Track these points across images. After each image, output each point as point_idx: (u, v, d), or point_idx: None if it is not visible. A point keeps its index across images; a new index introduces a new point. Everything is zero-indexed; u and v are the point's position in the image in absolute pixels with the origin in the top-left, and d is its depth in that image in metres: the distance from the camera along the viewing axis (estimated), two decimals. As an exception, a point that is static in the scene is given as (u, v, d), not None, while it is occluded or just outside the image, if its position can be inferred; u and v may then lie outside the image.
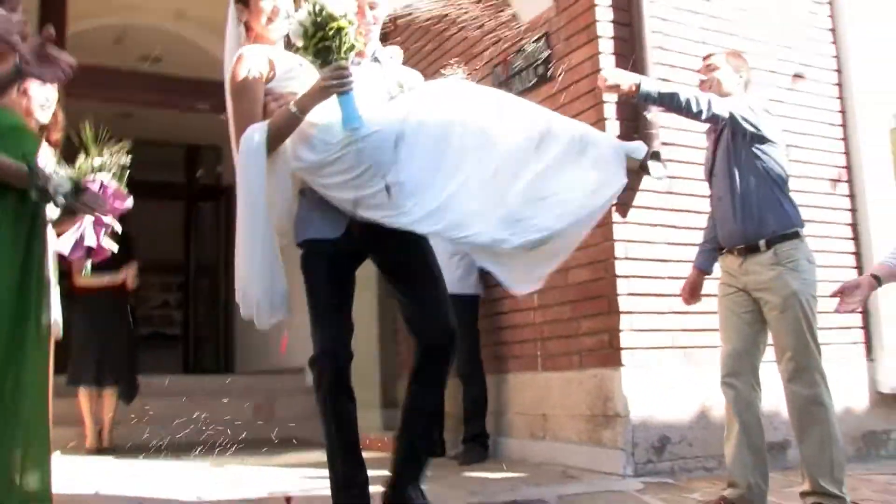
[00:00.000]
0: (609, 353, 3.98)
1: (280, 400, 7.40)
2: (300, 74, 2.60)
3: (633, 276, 4.01)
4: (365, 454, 2.64)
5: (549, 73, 4.50)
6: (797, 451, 3.24)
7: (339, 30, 2.41)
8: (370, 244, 2.64)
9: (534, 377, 4.50)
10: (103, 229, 3.32)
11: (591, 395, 4.05)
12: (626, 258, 4.02)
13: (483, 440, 4.60)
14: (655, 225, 4.12)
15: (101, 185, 3.29)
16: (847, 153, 4.83)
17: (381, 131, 2.45)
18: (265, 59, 2.58)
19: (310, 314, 2.58)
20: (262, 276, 2.46)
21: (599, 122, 4.07)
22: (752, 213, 3.15)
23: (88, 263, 3.39)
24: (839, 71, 4.91)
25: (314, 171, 2.51)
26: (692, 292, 3.47)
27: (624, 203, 4.05)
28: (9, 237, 2.51)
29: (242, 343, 9.34)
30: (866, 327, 4.69)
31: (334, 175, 2.47)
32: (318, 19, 2.40)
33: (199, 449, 5.30)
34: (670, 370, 4.01)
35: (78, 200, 2.70)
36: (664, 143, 4.10)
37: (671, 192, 4.15)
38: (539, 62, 4.58)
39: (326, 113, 2.47)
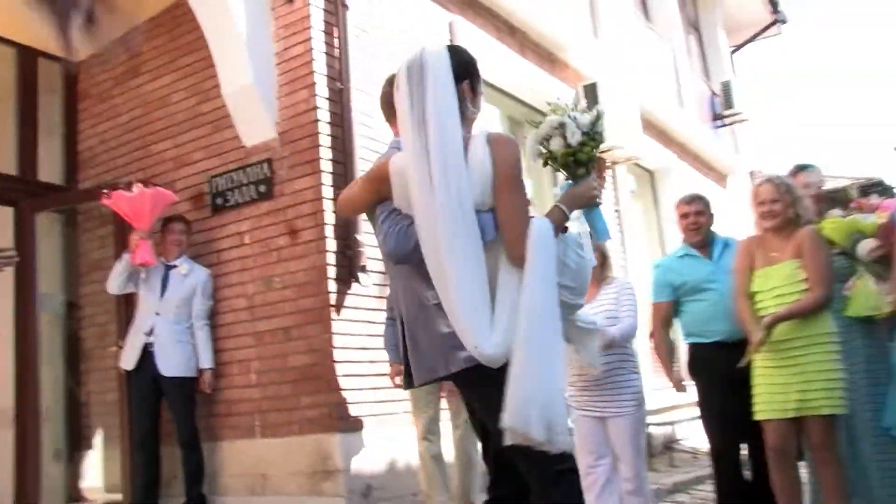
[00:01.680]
0: (329, 422, 5.06)
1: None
2: None
3: (346, 362, 5.17)
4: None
5: (270, 192, 5.49)
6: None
7: (598, 144, 2.59)
8: None
9: (252, 443, 5.38)
10: None
11: (311, 456, 5.08)
12: (342, 347, 5.16)
13: (203, 500, 5.33)
14: (357, 321, 5.31)
15: None
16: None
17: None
18: None
19: None
20: (561, 388, 2.26)
21: (320, 240, 5.19)
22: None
23: None
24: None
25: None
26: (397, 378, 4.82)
27: (337, 304, 5.21)
28: None
29: None
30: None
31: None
32: (593, 132, 2.56)
33: None
34: (370, 433, 5.22)
35: None
36: (369, 258, 5.34)
37: (372, 296, 5.40)
38: (261, 182, 5.54)
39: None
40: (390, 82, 2.76)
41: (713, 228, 4.66)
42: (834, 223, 4.00)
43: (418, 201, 2.37)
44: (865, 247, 3.90)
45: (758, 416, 3.82)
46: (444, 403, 4.99)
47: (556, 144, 2.57)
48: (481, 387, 2.40)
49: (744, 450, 4.39)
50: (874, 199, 4.07)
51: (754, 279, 3.88)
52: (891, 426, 3.87)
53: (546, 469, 2.32)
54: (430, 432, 4.80)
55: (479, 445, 4.76)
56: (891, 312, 3.78)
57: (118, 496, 5.80)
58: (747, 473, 4.40)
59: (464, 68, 2.56)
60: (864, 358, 3.94)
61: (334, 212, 5.24)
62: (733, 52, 15.37)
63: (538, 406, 2.18)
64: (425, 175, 2.34)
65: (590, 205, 2.56)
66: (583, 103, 8.40)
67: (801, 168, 4.29)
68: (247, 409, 5.45)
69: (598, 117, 2.58)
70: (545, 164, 2.65)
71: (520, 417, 2.18)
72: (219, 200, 5.73)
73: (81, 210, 6.53)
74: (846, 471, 3.82)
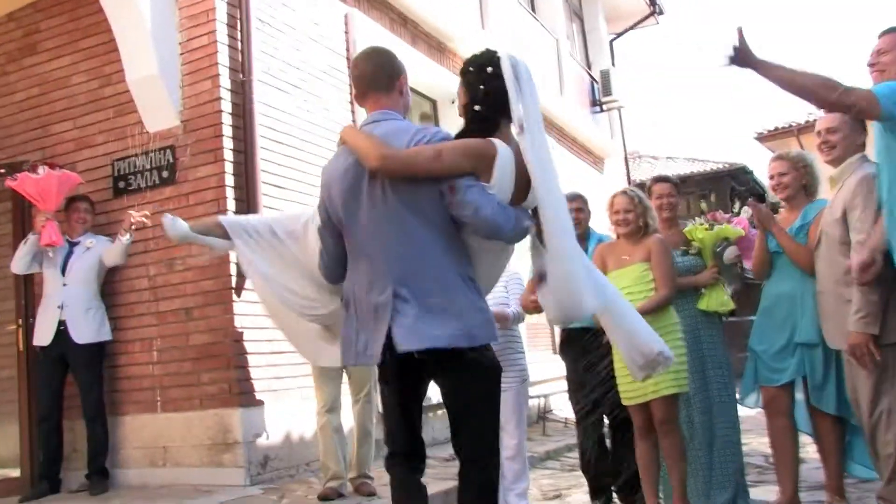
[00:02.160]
0: (228, 397, 5.39)
1: None
2: None
3: (246, 341, 5.49)
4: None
5: (173, 178, 5.71)
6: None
7: None
8: None
9: (153, 417, 5.65)
10: None
11: (212, 429, 5.40)
12: (242, 328, 5.48)
13: (106, 472, 5.57)
14: (256, 302, 5.57)
15: None
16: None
17: None
18: None
19: (495, 422, 2.81)
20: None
21: (222, 225, 5.47)
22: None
23: None
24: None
25: None
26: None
27: (238, 286, 5.51)
28: None
29: None
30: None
31: None
32: None
33: None
34: (268, 408, 5.58)
35: None
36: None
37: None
38: (164, 167, 5.75)
39: None
40: (377, 58, 3.00)
41: (590, 224, 5.20)
42: (707, 229, 4.62)
43: (546, 188, 2.65)
44: (731, 253, 4.55)
45: (625, 403, 4.38)
46: (344, 378, 5.36)
47: None
48: (468, 364, 2.65)
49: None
50: (722, 215, 4.73)
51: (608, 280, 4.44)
52: (743, 398, 4.54)
53: (488, 468, 2.75)
54: (331, 406, 5.16)
55: (374, 419, 5.25)
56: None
57: (9, 472, 5.95)
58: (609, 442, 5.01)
59: None
60: (707, 344, 4.58)
61: (238, 191, 5.55)
62: (613, 40, 16.16)
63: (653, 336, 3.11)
64: (551, 163, 2.70)
65: None
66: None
67: (658, 179, 4.88)
68: (148, 384, 5.70)
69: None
70: None
71: (658, 343, 3.07)
72: (121, 184, 5.90)
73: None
74: (688, 442, 4.47)
